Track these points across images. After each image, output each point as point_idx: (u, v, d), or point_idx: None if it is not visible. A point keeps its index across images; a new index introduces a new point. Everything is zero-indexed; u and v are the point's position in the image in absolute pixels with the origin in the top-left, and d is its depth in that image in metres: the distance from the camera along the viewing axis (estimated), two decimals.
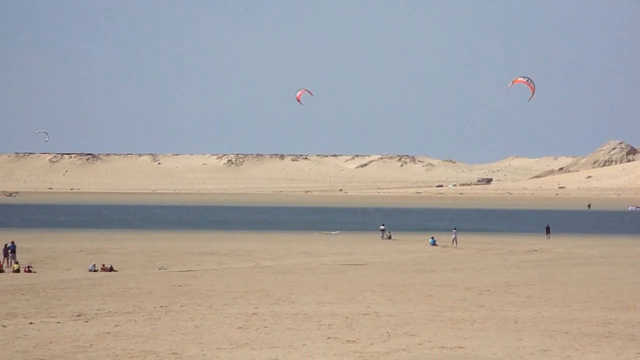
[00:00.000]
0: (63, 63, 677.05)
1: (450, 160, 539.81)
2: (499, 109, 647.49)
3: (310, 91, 76.00)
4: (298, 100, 75.82)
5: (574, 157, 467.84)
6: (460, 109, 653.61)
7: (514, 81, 65.11)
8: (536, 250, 72.98)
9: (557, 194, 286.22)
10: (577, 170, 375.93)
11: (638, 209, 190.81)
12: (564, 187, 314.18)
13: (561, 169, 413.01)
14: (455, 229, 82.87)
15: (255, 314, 35.58)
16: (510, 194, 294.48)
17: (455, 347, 29.00)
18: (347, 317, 34.70)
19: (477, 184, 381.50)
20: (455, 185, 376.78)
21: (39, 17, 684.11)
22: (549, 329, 32.29)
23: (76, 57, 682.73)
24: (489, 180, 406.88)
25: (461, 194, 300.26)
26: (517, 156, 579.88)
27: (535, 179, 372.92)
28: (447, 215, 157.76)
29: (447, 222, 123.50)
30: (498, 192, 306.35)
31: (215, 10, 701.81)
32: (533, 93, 64.47)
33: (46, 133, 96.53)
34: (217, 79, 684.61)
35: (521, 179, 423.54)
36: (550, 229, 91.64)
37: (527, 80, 65.04)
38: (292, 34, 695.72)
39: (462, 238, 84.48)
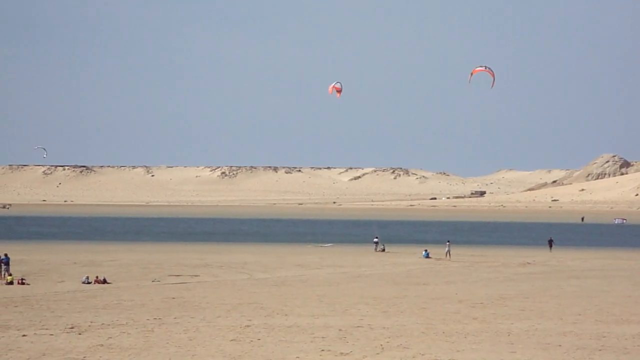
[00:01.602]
0: (57, 75, 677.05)
1: (444, 173, 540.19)
2: (492, 122, 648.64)
3: (339, 91, 75.72)
4: (330, 92, 75.53)
5: (568, 170, 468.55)
6: (454, 122, 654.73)
7: (473, 72, 65.29)
8: (530, 263, 73.03)
9: (550, 207, 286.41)
10: (571, 183, 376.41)
11: (625, 221, 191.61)
12: (558, 200, 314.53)
13: (554, 181, 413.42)
14: (448, 241, 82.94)
15: (248, 326, 35.57)
16: (504, 206, 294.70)
17: (449, 359, 29.02)
18: (340, 330, 34.70)
19: (470, 197, 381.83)
20: (448, 198, 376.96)
21: (32, 28, 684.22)
22: (543, 342, 32.31)
23: (70, 69, 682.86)
24: (482, 193, 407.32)
25: (454, 206, 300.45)
26: (510, 169, 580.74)
27: (529, 192, 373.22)
28: (441, 227, 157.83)
29: (440, 235, 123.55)
30: (491, 204, 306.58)
31: (209, 23, 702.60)
32: (494, 78, 64.75)
33: (44, 149, 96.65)
34: (211, 92, 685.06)
35: (514, 191, 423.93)
36: (553, 242, 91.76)
37: (485, 68, 65.36)
38: (287, 47, 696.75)
39: (456, 251, 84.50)
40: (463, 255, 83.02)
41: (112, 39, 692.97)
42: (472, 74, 65.27)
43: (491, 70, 65.16)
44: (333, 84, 76.53)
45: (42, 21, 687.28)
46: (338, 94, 76.03)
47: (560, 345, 31.62)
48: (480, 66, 65.54)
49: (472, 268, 68.29)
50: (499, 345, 31.62)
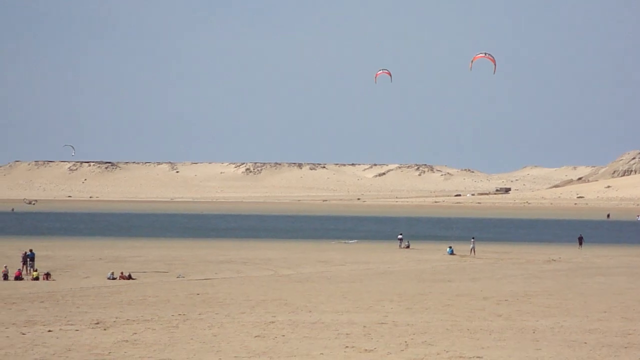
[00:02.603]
0: (82, 72, 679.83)
1: (469, 170, 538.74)
2: (518, 118, 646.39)
3: (390, 73, 75.53)
4: (375, 78, 75.39)
5: (593, 167, 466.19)
6: (479, 118, 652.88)
7: (474, 59, 65.22)
8: (555, 260, 72.76)
9: (575, 204, 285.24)
10: (596, 180, 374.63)
11: None
12: (583, 197, 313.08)
13: (580, 178, 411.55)
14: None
15: (273, 322, 35.60)
16: (529, 203, 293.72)
17: (473, 357, 28.95)
18: (364, 326, 34.67)
19: (495, 194, 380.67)
20: (473, 194, 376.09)
21: (57, 27, 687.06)
22: (568, 339, 32.18)
23: (95, 66, 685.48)
24: (507, 190, 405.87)
25: (479, 203, 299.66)
26: (535, 166, 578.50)
27: (554, 189, 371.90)
28: (465, 224, 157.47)
29: (465, 232, 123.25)
30: (516, 201, 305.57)
31: (232, 19, 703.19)
32: (495, 64, 64.67)
33: (72, 147, 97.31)
34: (236, 88, 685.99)
35: (540, 188, 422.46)
36: (583, 240, 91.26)
37: (486, 54, 65.32)
38: (311, 42, 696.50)
39: (480, 247, 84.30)
40: (488, 252, 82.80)
41: (136, 35, 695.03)
42: (472, 60, 65.29)
43: (491, 57, 65.10)
44: (380, 71, 76.23)
45: (63, 18, 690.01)
46: (381, 75, 75.45)
47: (585, 343, 31.49)
48: (480, 53, 65.57)
49: (496, 265, 68.11)
50: (524, 342, 31.52)
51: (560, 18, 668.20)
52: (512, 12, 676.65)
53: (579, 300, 43.80)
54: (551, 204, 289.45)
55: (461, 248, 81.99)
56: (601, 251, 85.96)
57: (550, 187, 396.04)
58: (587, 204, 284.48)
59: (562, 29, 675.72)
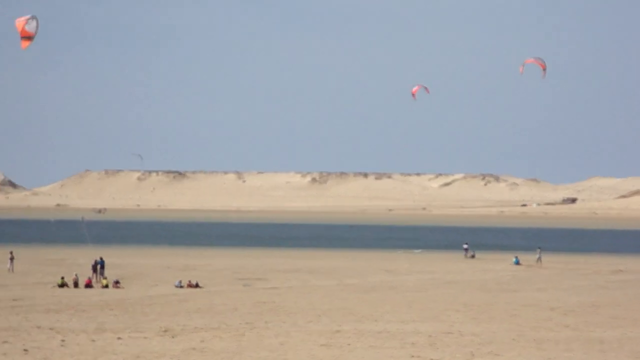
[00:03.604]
0: (152, 83, 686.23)
1: (535, 180, 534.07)
2: (584, 128, 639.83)
3: (427, 88, 75.27)
4: (413, 95, 75.25)
5: None
6: (545, 128, 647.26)
7: (525, 62, 64.80)
8: (622, 271, 72.06)
9: None
10: None
11: None
12: None
13: None
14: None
15: (338, 331, 35.77)
16: (596, 213, 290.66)
17: None
18: (430, 336, 34.72)
19: (561, 204, 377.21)
20: (539, 204, 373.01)
21: (127, 38, 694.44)
22: (635, 350, 31.96)
23: (164, 77, 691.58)
24: (573, 200, 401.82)
25: (545, 213, 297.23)
26: (602, 176, 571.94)
27: (622, 199, 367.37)
28: (531, 234, 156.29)
29: (531, 242, 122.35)
30: (583, 211, 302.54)
31: (296, 26, 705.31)
32: (544, 69, 64.14)
33: (140, 156, 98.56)
34: (301, 98, 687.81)
35: (607, 198, 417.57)
36: None
37: (536, 59, 64.82)
38: (375, 52, 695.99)
39: (547, 257, 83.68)
40: (554, 262, 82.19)
41: (206, 46, 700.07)
42: (523, 64, 64.98)
43: (542, 62, 64.67)
44: (417, 87, 75.96)
45: (132, 29, 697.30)
46: (418, 91, 75.12)
47: None
48: (532, 57, 65.23)
49: (563, 275, 67.63)
50: (591, 353, 31.36)
51: (630, 27, 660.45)
52: (576, 20, 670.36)
53: None
54: (618, 214, 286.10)
55: (527, 258, 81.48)
56: None
57: (618, 198, 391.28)
58: None
59: (632, 38, 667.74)
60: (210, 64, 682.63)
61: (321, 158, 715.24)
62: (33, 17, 50.13)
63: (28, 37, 49.78)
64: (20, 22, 49.71)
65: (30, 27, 49.82)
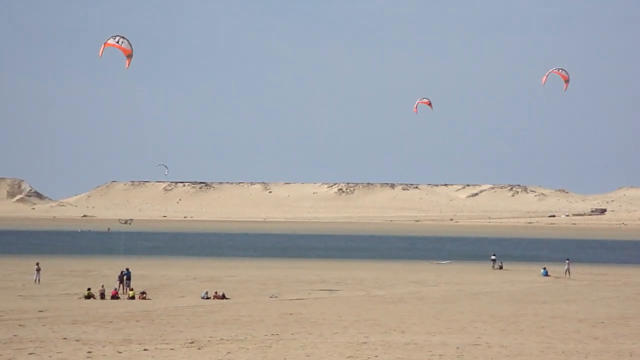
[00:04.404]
0: (178, 94, 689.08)
1: (563, 190, 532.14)
2: (613, 138, 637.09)
3: (431, 104, 74.94)
4: (415, 108, 74.97)
5: None
6: (574, 138, 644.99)
7: (548, 73, 64.59)
8: None
9: None
10: None
11: None
12: None
13: None
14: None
15: (365, 343, 35.59)
16: (625, 224, 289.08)
17: None
18: (458, 348, 34.48)
19: (590, 215, 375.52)
20: (568, 215, 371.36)
21: (152, 50, 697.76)
22: None
23: (190, 88, 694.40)
24: (603, 211, 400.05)
25: (574, 224, 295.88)
26: (632, 186, 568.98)
27: None
28: (560, 245, 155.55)
29: (559, 253, 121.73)
30: (612, 222, 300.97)
31: (328, 39, 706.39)
32: (566, 81, 63.89)
33: (166, 166, 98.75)
34: (329, 109, 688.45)
35: (636, 209, 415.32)
36: None
37: (559, 71, 64.57)
38: (403, 62, 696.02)
39: (576, 269, 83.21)
40: (583, 273, 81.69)
41: (231, 59, 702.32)
42: (546, 75, 64.77)
43: (564, 73, 64.42)
44: (418, 100, 75.59)
45: (156, 40, 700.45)
46: (422, 106, 74.78)
47: None
48: (556, 68, 65.03)
49: (592, 287, 67.16)
50: None
51: None
52: (609, 28, 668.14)
53: None
54: None
55: (556, 269, 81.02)
56: None
57: None
58: None
59: None
60: (237, 75, 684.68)
61: (348, 169, 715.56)
62: (116, 37, 51.26)
63: (129, 55, 51.02)
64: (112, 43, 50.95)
65: (125, 45, 50.96)
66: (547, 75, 64.40)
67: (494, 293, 60.54)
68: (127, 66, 51.27)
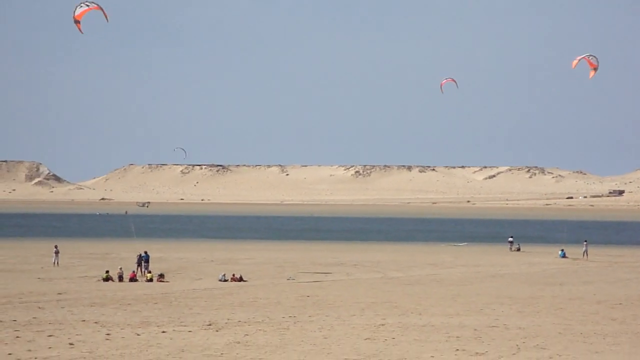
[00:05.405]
0: (196, 77, 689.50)
1: (581, 172, 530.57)
2: (631, 119, 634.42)
3: (456, 82, 74.67)
4: (441, 88, 74.75)
5: None
6: (592, 119, 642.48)
7: (577, 59, 64.26)
8: None
9: None
10: None
11: None
12: None
13: None
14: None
15: (382, 325, 35.61)
16: None
17: None
18: (475, 329, 34.47)
19: (608, 196, 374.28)
20: (585, 197, 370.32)
21: (172, 34, 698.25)
22: None
23: (207, 73, 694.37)
24: (621, 192, 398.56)
25: (592, 206, 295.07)
26: None
27: None
28: (578, 227, 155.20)
29: (577, 235, 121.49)
30: (630, 204, 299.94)
31: (343, 22, 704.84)
32: (594, 69, 63.53)
33: (183, 150, 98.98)
34: (346, 91, 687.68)
35: None
36: None
37: (589, 57, 64.21)
38: (420, 44, 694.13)
39: (593, 250, 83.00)
40: (601, 255, 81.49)
41: (246, 41, 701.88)
42: (578, 60, 64.46)
43: (595, 62, 64.04)
44: (445, 79, 75.34)
45: (174, 26, 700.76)
46: (448, 84, 74.59)
47: None
48: (587, 55, 64.71)
49: (610, 268, 67.00)
50: (639, 347, 30.97)
51: None
52: (632, 14, 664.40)
53: None
54: None
55: (574, 251, 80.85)
56: None
57: None
58: None
59: None
60: (253, 58, 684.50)
61: (365, 151, 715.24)
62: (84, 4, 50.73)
63: (77, 21, 50.45)
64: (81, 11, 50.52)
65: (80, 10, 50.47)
66: (578, 60, 64.06)
67: (512, 275, 60.48)
68: (107, 20, 50.64)
